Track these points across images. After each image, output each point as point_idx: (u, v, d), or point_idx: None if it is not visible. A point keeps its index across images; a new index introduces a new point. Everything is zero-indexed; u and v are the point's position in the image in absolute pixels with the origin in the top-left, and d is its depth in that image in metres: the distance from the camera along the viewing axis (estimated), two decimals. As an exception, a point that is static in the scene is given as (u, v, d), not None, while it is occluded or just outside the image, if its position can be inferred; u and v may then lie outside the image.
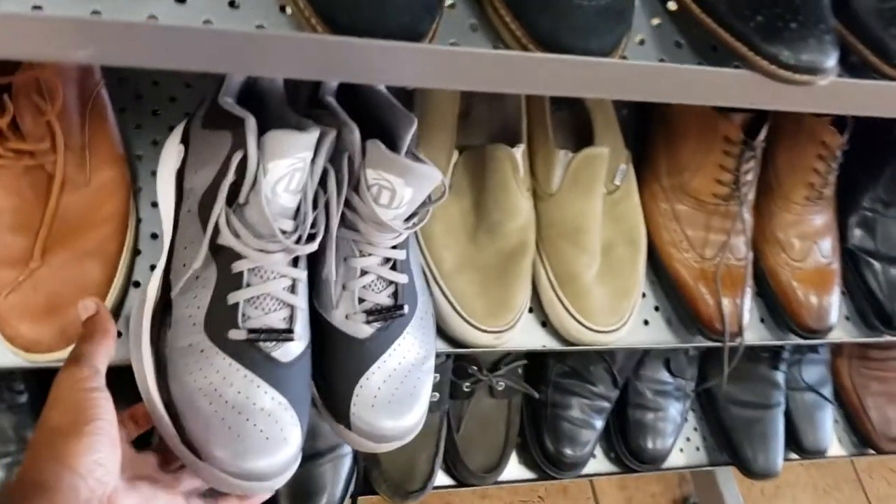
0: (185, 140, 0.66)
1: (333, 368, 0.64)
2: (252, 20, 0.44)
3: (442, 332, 0.78)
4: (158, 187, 0.69)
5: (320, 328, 0.65)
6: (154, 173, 0.75)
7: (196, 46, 0.43)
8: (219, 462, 0.55)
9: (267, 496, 0.62)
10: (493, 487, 1.17)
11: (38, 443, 0.53)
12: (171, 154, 0.67)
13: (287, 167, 0.56)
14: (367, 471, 1.06)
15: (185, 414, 0.56)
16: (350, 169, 0.61)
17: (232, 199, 0.57)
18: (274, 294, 0.58)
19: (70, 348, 0.65)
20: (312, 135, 0.56)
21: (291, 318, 0.60)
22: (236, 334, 0.57)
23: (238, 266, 0.58)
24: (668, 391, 1.18)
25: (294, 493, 1.00)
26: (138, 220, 0.73)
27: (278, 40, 0.44)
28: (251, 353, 0.57)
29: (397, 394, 0.64)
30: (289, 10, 0.45)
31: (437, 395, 1.07)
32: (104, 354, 0.58)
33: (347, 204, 0.62)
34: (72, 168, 0.67)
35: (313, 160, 0.58)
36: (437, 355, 1.03)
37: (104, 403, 0.55)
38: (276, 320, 0.59)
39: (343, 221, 0.63)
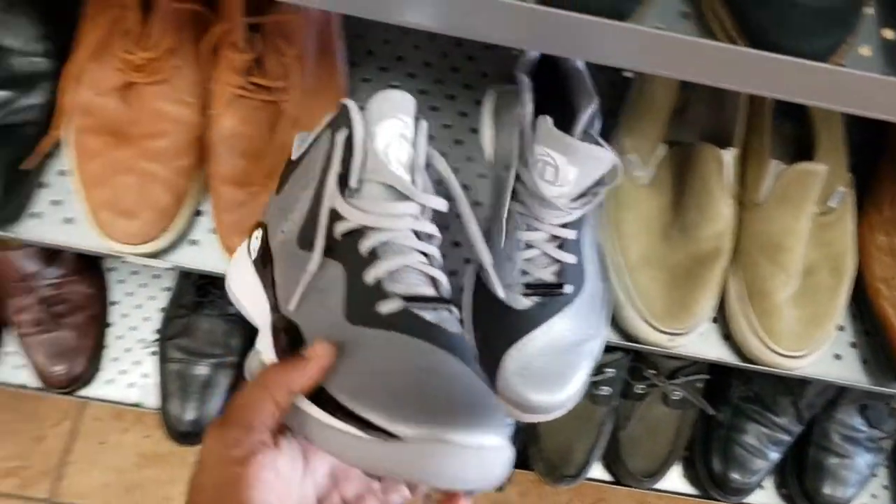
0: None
1: (488, 333, 0.67)
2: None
3: (615, 324, 0.77)
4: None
5: (480, 293, 0.67)
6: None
7: (417, 2, 0.46)
8: (439, 433, 0.42)
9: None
10: (652, 495, 1.15)
11: None
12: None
13: (393, 129, 0.52)
14: (526, 446, 1.08)
15: (359, 400, 0.44)
16: (522, 143, 0.62)
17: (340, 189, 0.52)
18: (413, 266, 0.51)
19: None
20: (409, 98, 0.54)
21: (438, 290, 0.52)
22: (388, 305, 0.48)
23: (367, 243, 0.50)
24: (859, 439, 1.10)
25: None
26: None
27: (486, 4, 0.46)
28: (410, 321, 0.48)
29: (547, 369, 0.64)
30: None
31: (610, 389, 1.06)
32: (269, 412, 0.44)
33: (517, 177, 0.63)
34: (301, 108, 0.73)
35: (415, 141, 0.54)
36: (613, 350, 1.04)
37: (261, 478, 0.42)
38: (425, 291, 0.51)
39: (514, 194, 0.65)
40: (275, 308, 0.55)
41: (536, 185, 0.62)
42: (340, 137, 0.52)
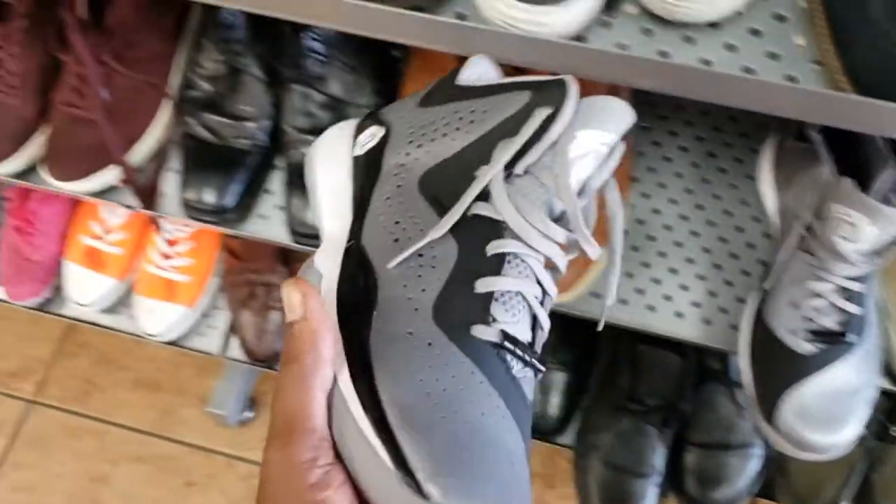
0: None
1: (769, 371, 0.72)
2: (785, 71, 0.54)
3: (885, 368, 0.80)
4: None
5: (760, 333, 0.73)
6: (650, 168, 0.89)
7: (736, 89, 0.53)
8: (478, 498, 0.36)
9: None
10: (902, 541, 1.13)
11: None
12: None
13: (593, 141, 0.44)
14: (773, 477, 1.11)
15: (406, 425, 0.37)
16: (818, 199, 0.66)
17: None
18: (528, 297, 0.43)
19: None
20: (630, 114, 0.46)
21: (534, 337, 0.44)
22: (483, 332, 0.41)
23: (498, 246, 0.43)
24: None
25: (700, 477, 1.09)
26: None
27: (806, 93, 0.52)
28: (495, 364, 0.41)
29: (826, 412, 0.69)
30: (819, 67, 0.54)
31: (865, 430, 1.06)
32: (319, 406, 0.38)
33: (809, 229, 0.68)
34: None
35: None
36: (873, 391, 1.04)
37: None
38: (525, 332, 0.43)
39: (802, 244, 0.70)
40: (356, 235, 0.47)
41: (832, 241, 0.67)
42: (541, 113, 0.44)
